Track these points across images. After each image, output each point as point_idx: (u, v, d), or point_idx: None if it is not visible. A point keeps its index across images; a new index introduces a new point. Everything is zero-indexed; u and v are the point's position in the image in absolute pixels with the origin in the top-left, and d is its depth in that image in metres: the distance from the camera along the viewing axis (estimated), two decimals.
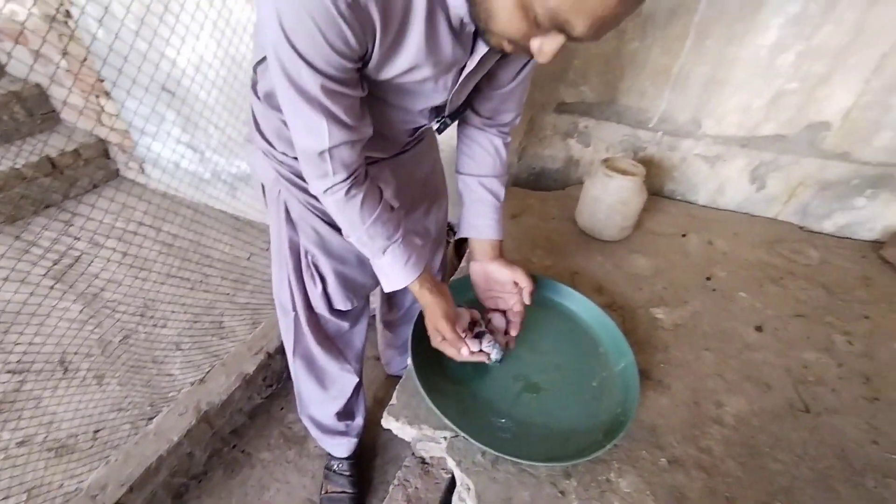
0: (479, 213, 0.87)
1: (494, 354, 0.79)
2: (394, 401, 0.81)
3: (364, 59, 0.59)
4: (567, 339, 0.92)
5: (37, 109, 2.43)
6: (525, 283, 0.82)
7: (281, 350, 1.54)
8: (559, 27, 0.47)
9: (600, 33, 0.46)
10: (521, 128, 1.50)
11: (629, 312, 1.06)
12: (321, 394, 1.14)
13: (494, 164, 0.86)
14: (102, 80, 2.23)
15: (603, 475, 0.73)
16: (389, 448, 1.44)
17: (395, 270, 0.75)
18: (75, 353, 1.64)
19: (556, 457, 0.71)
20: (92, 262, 1.81)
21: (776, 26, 1.14)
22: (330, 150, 0.63)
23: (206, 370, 1.48)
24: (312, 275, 0.93)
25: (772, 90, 1.24)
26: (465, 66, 0.64)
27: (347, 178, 0.67)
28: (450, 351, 0.78)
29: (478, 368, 0.84)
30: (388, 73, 0.61)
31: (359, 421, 1.27)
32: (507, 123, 0.84)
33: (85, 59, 2.09)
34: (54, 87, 2.32)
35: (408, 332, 1.40)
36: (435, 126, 0.78)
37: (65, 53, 2.13)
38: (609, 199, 1.21)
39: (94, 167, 2.54)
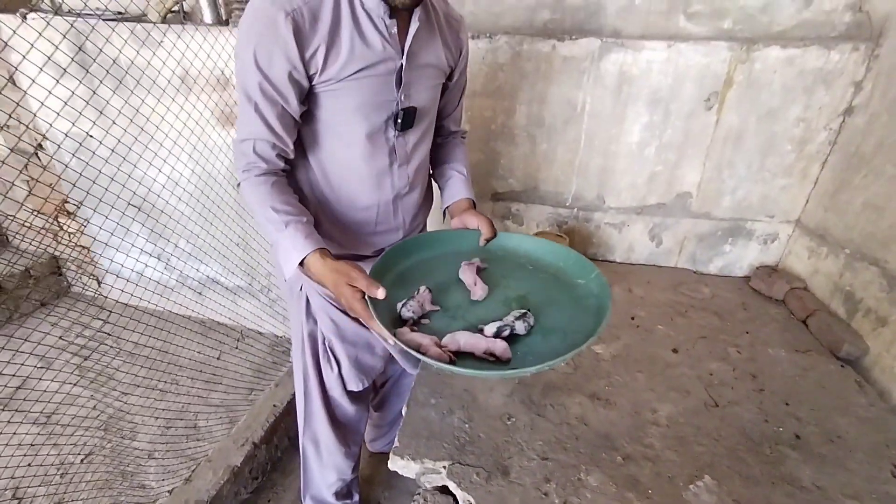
0: (453, 186, 1.06)
1: (480, 293, 0.84)
2: (396, 443, 0.95)
3: (310, 75, 0.77)
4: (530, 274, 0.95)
5: None
6: (484, 231, 0.93)
7: (266, 440, 1.58)
8: None
9: None
10: None
11: None
12: (325, 473, 1.23)
13: (456, 152, 1.09)
14: (67, 202, 2.34)
15: (575, 476, 0.91)
16: None
17: (295, 243, 0.78)
18: (30, 483, 1.54)
19: (563, 351, 0.69)
20: (45, 382, 1.76)
21: (637, 131, 1.61)
22: (255, 141, 0.80)
23: (186, 475, 1.47)
24: (329, 359, 1.07)
25: (646, 172, 1.68)
26: (402, 67, 0.82)
27: (264, 170, 0.83)
28: (359, 311, 0.74)
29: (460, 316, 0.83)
30: (335, 69, 0.76)
31: (356, 498, 1.36)
32: (455, 132, 1.12)
33: (49, 185, 2.20)
34: (8, 212, 2.36)
35: (395, 408, 1.52)
36: (395, 134, 0.88)
37: (29, 182, 2.24)
38: None
39: (44, 285, 2.51)
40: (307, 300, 1.02)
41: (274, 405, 1.71)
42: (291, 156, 0.86)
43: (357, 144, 0.87)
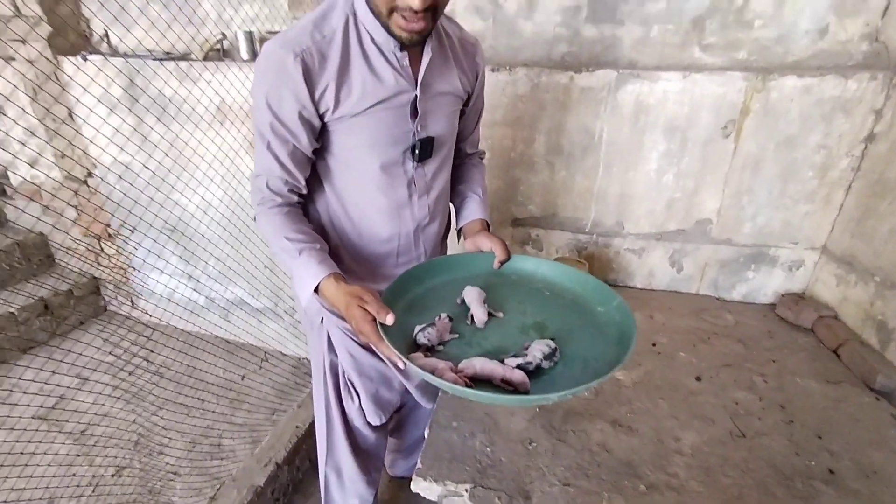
0: (467, 207, 1.05)
1: (480, 314, 0.82)
2: (419, 464, 0.97)
3: (321, 114, 0.78)
4: (543, 297, 0.93)
5: (35, 255, 2.60)
6: (498, 253, 0.92)
7: (288, 460, 1.60)
8: None
9: None
10: None
11: None
12: (348, 501, 1.25)
13: (473, 172, 1.10)
14: (108, 226, 2.48)
15: (597, 503, 0.90)
16: None
17: (309, 270, 0.79)
18: (66, 495, 1.59)
19: (585, 380, 0.66)
20: (80, 397, 1.84)
21: (654, 158, 1.63)
22: (268, 177, 0.83)
23: (210, 494, 1.50)
24: (350, 391, 1.10)
25: (665, 199, 1.70)
26: (416, 98, 0.82)
27: (278, 203, 0.85)
28: (368, 334, 0.72)
29: (476, 343, 0.81)
30: (348, 106, 0.77)
31: None
32: (472, 153, 1.13)
33: (97, 209, 2.36)
34: (58, 235, 2.52)
35: (413, 434, 1.53)
36: (413, 165, 0.88)
37: (78, 207, 2.40)
38: None
39: (84, 304, 2.64)
40: (328, 334, 1.04)
41: (296, 426, 1.74)
42: (304, 191, 0.88)
43: (373, 177, 0.87)
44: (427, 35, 0.78)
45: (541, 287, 0.95)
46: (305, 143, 0.81)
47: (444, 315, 0.81)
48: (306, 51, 0.74)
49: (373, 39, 0.78)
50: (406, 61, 0.80)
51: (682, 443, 1.07)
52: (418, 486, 0.94)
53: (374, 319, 0.72)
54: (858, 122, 1.43)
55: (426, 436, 1.05)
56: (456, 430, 1.06)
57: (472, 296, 0.86)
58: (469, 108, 1.02)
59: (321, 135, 0.84)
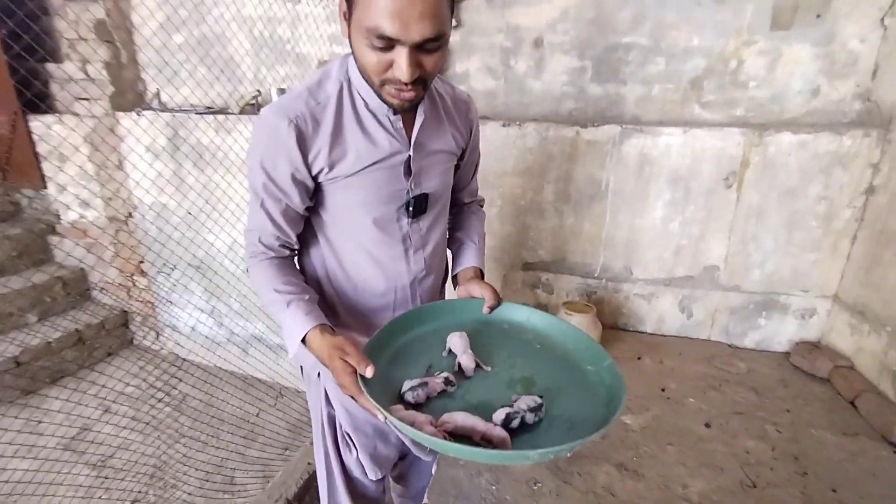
0: (462, 254, 1.05)
1: (467, 361, 0.81)
2: (426, 500, 0.99)
3: (314, 175, 0.82)
4: (531, 349, 0.88)
5: (74, 289, 2.78)
6: (488, 299, 0.90)
7: (299, 497, 1.61)
8: (379, 35, 0.64)
9: (409, 29, 0.63)
10: (497, 283, 1.93)
11: None
12: None
13: (471, 220, 1.11)
14: (142, 262, 2.65)
15: None
16: None
17: (296, 321, 0.79)
18: None
19: (567, 440, 0.63)
20: (104, 428, 1.91)
21: (660, 207, 1.70)
22: (260, 233, 0.86)
23: None
24: (347, 443, 1.09)
25: (672, 245, 1.75)
26: (410, 158, 0.84)
27: (270, 256, 0.88)
28: (348, 386, 0.72)
29: (460, 399, 0.77)
30: (342, 169, 0.80)
31: None
32: (470, 202, 1.14)
33: (135, 245, 2.53)
34: (98, 270, 2.70)
35: (417, 485, 1.52)
36: (408, 221, 0.90)
37: (117, 243, 2.59)
38: None
39: (113, 337, 2.77)
40: (325, 387, 1.04)
41: (308, 462, 1.75)
42: (296, 246, 0.94)
43: (367, 233, 0.89)
44: (419, 102, 0.82)
45: (531, 339, 0.91)
46: (297, 202, 0.86)
47: (442, 375, 0.78)
48: (300, 116, 0.80)
49: (366, 105, 0.83)
50: (399, 123, 0.84)
51: (690, 490, 1.07)
52: None
53: (356, 371, 0.73)
54: (857, 175, 1.48)
55: (433, 472, 1.07)
56: (463, 467, 1.09)
57: (457, 344, 0.85)
58: (464, 161, 1.06)
59: (316, 193, 0.89)
